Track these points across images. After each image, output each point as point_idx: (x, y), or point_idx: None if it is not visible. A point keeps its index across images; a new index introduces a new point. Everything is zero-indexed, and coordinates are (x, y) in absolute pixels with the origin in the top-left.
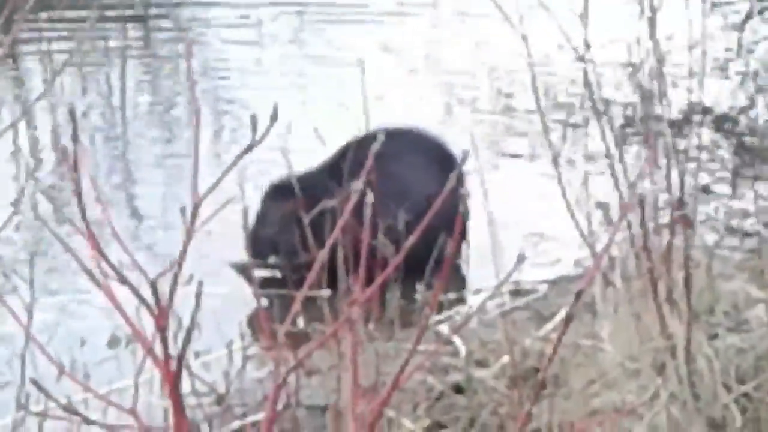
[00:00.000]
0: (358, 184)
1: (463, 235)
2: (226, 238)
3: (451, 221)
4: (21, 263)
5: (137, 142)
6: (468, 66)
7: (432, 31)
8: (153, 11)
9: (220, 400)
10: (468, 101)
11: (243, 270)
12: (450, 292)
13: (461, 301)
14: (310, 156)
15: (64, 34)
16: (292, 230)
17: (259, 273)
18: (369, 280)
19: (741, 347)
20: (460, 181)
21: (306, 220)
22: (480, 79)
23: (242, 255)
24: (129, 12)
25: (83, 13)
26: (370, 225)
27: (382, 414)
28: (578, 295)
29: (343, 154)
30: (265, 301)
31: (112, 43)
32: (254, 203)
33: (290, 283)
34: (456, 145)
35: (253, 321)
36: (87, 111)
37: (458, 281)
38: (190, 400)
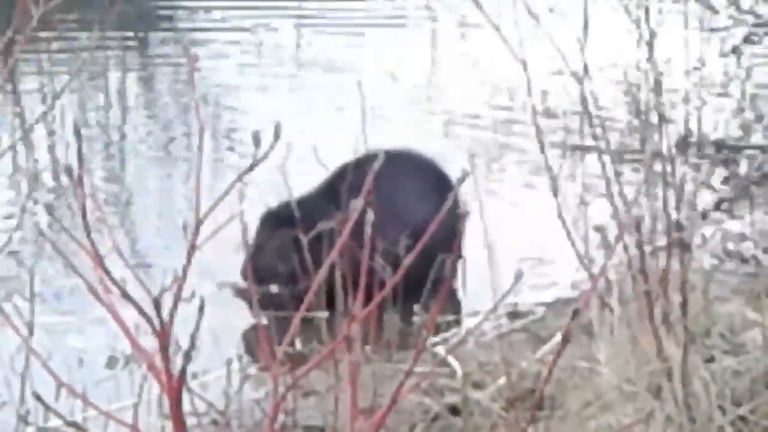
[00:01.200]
0: (357, 203)
1: (459, 255)
2: (222, 257)
3: (448, 242)
4: (20, 281)
5: (135, 155)
6: (466, 85)
7: (431, 47)
8: (151, 21)
9: (219, 417)
10: (466, 122)
11: (240, 293)
12: (446, 314)
13: (458, 323)
14: (307, 173)
15: (63, 47)
16: (291, 258)
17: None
18: (367, 301)
19: (737, 370)
20: (457, 202)
21: (304, 246)
22: (478, 99)
23: (238, 276)
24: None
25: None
26: (369, 245)
27: None
28: (575, 314)
29: (339, 176)
30: (263, 322)
31: (110, 53)
32: (253, 224)
33: (288, 305)
34: (453, 166)
35: (249, 341)
36: (80, 125)
37: (454, 303)
38: (188, 420)
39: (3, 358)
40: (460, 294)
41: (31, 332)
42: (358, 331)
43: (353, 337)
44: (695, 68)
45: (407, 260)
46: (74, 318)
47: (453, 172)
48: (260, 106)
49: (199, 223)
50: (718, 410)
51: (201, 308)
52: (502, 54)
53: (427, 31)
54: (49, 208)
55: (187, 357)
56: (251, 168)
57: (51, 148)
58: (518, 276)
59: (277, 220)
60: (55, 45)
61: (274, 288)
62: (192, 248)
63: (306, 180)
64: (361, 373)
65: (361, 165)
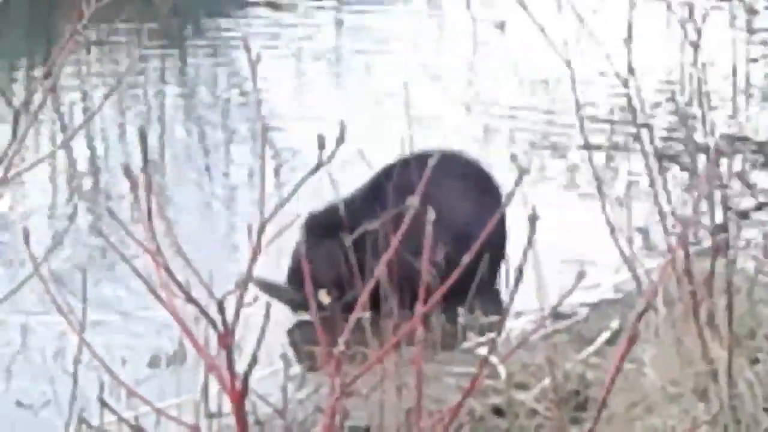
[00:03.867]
0: (414, 200)
1: (501, 257)
2: (263, 260)
3: (492, 244)
4: (69, 280)
5: (175, 162)
6: (507, 87)
7: (470, 49)
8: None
9: (280, 415)
10: (506, 124)
11: (268, 288)
12: (490, 316)
13: (501, 324)
14: (350, 174)
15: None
16: (337, 267)
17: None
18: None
19: None
20: (502, 203)
21: (350, 251)
22: (519, 101)
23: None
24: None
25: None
26: (424, 245)
27: None
28: (644, 310)
29: (380, 180)
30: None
31: (149, 62)
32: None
33: (333, 309)
34: (494, 168)
35: (295, 342)
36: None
37: (497, 305)
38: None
39: (45, 358)
40: (503, 295)
41: (83, 331)
42: (421, 330)
43: (417, 334)
44: (738, 70)
45: (459, 267)
46: (116, 318)
47: (494, 173)
48: (299, 105)
49: (263, 225)
50: (764, 412)
51: (267, 313)
52: (543, 54)
53: (467, 34)
54: (109, 211)
55: (254, 359)
56: (317, 168)
57: (91, 155)
58: (581, 276)
59: (322, 225)
60: (94, 55)
61: (322, 296)
62: (256, 250)
63: (349, 179)
64: (404, 374)
65: (403, 167)
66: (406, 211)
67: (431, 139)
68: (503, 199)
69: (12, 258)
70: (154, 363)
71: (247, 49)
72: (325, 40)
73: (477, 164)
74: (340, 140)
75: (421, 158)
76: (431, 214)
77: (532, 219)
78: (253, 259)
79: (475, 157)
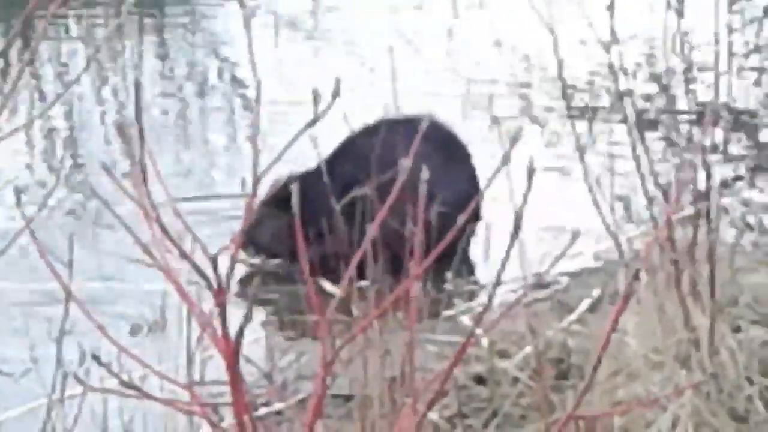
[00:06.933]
0: (405, 164)
1: (476, 216)
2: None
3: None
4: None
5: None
6: (486, 57)
7: (450, 20)
8: None
9: (267, 379)
10: (485, 91)
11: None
12: (463, 278)
13: (474, 292)
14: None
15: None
16: (284, 243)
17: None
18: (398, 267)
19: (764, 340)
20: (474, 168)
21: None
22: (498, 71)
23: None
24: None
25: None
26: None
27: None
28: (637, 273)
29: (343, 150)
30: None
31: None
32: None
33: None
34: (473, 138)
35: (277, 310)
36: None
37: (468, 266)
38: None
39: (24, 325)
40: (474, 258)
41: (68, 296)
42: (416, 292)
43: (411, 298)
44: (718, 39)
45: (449, 235)
46: (96, 286)
47: (472, 140)
48: (276, 77)
49: (257, 181)
50: (746, 380)
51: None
52: (523, 22)
53: (447, 5)
54: (103, 165)
55: (247, 318)
56: (311, 124)
57: (69, 121)
58: (575, 235)
59: (278, 200)
60: (72, 24)
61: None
62: (249, 206)
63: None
64: (389, 342)
65: (366, 136)
66: (400, 175)
67: (410, 106)
68: (471, 161)
69: None
70: (135, 331)
71: (242, 5)
72: (304, 6)
73: (443, 126)
74: (335, 94)
75: (385, 125)
76: (424, 176)
77: (530, 173)
78: (248, 213)
79: (440, 119)
